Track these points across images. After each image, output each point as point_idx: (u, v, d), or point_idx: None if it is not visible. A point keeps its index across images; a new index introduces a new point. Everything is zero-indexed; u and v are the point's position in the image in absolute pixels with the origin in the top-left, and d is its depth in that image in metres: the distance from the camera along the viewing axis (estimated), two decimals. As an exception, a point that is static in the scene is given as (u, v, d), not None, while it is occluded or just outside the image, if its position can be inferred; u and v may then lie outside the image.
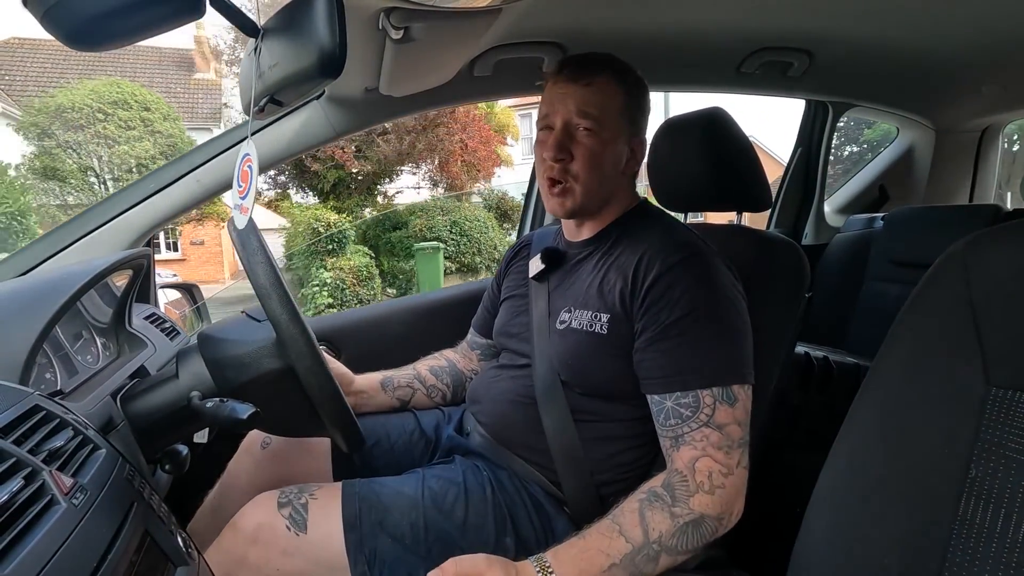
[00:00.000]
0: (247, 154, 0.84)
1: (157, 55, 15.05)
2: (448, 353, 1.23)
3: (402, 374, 1.16)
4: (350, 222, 8.95)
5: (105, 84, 11.24)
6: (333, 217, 8.62)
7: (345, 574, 0.79)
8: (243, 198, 0.88)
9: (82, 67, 13.66)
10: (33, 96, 12.20)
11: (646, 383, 0.82)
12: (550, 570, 0.69)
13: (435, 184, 11.59)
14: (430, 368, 1.19)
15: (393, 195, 12.02)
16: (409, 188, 12.21)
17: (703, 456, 0.75)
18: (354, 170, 10.45)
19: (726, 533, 0.89)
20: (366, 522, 0.82)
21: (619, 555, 0.71)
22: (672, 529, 0.72)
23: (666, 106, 9.04)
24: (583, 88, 0.89)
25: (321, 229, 8.18)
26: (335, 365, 1.07)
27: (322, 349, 0.97)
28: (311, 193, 11.40)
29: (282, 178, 11.62)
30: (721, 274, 0.83)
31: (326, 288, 7.78)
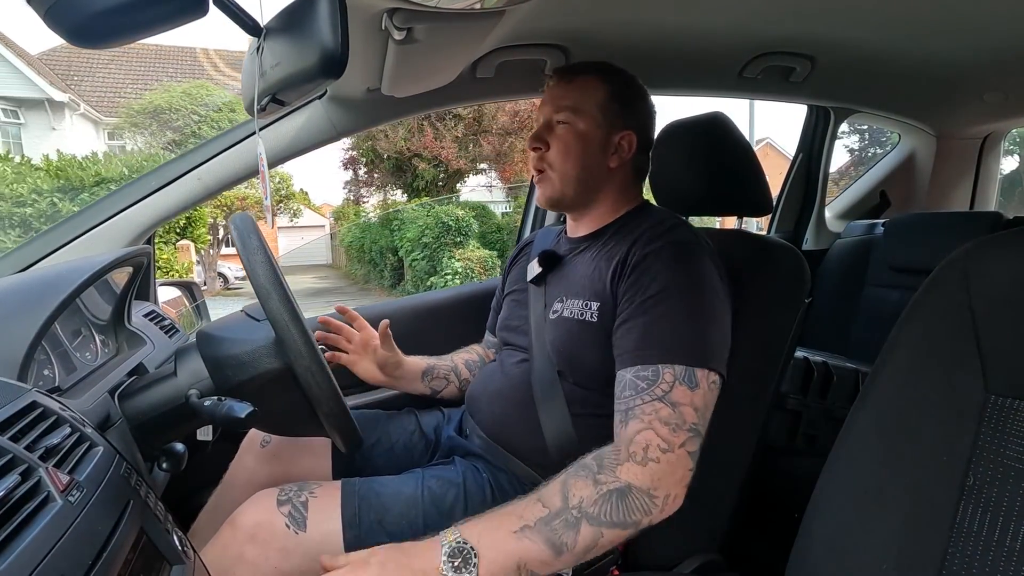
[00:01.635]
0: (260, 153, 0.85)
1: (208, 56, 15.16)
2: (477, 348, 1.26)
3: (442, 365, 1.19)
4: (474, 216, 9.37)
5: (195, 86, 11.75)
6: (460, 213, 9.07)
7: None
8: (268, 199, 0.89)
9: (144, 68, 14.08)
10: (103, 96, 12.78)
11: (616, 360, 0.81)
12: (455, 534, 0.67)
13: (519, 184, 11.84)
14: (465, 362, 1.21)
15: (458, 191, 12.24)
16: (480, 187, 12.43)
17: (647, 429, 0.72)
18: (456, 168, 10.83)
19: (723, 537, 0.88)
20: (365, 520, 0.82)
21: (533, 518, 0.67)
22: (594, 496, 0.68)
23: (751, 113, 9.21)
24: (565, 86, 0.96)
25: (451, 223, 8.80)
26: (395, 349, 1.12)
27: (321, 348, 0.97)
28: (400, 190, 11.59)
29: (377, 174, 11.76)
30: (703, 263, 0.83)
31: (457, 276, 8.47)
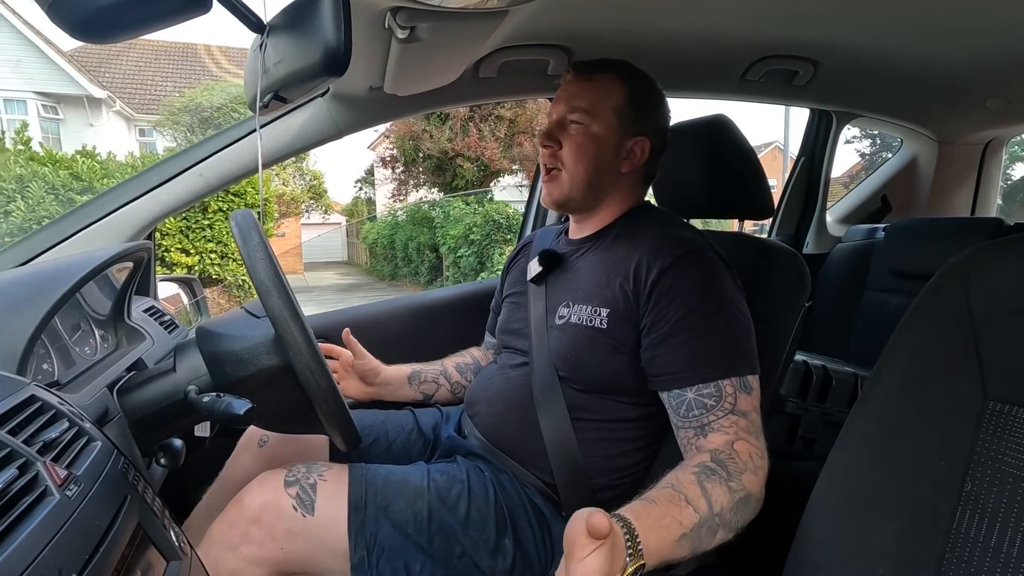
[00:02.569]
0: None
1: (210, 52, 15.20)
2: (474, 351, 1.26)
3: (430, 369, 1.19)
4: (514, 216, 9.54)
5: (234, 85, 11.92)
6: (511, 211, 9.26)
7: (345, 560, 0.79)
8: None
9: (175, 63, 14.22)
10: (133, 93, 13.06)
11: (661, 380, 0.82)
12: (638, 540, 0.61)
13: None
14: (456, 365, 1.21)
15: (491, 189, 12.35)
16: (511, 186, 12.59)
17: (738, 440, 0.75)
18: (497, 168, 11.03)
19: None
20: (371, 505, 0.82)
21: (689, 525, 0.66)
22: (730, 503, 0.69)
23: (786, 120, 9.19)
24: (583, 84, 0.93)
25: (502, 221, 9.00)
26: (367, 357, 1.14)
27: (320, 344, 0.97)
28: (435, 189, 11.80)
29: (418, 172, 11.83)
30: (721, 268, 0.85)
31: (506, 271, 8.82)
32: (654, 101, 0.96)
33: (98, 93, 11.74)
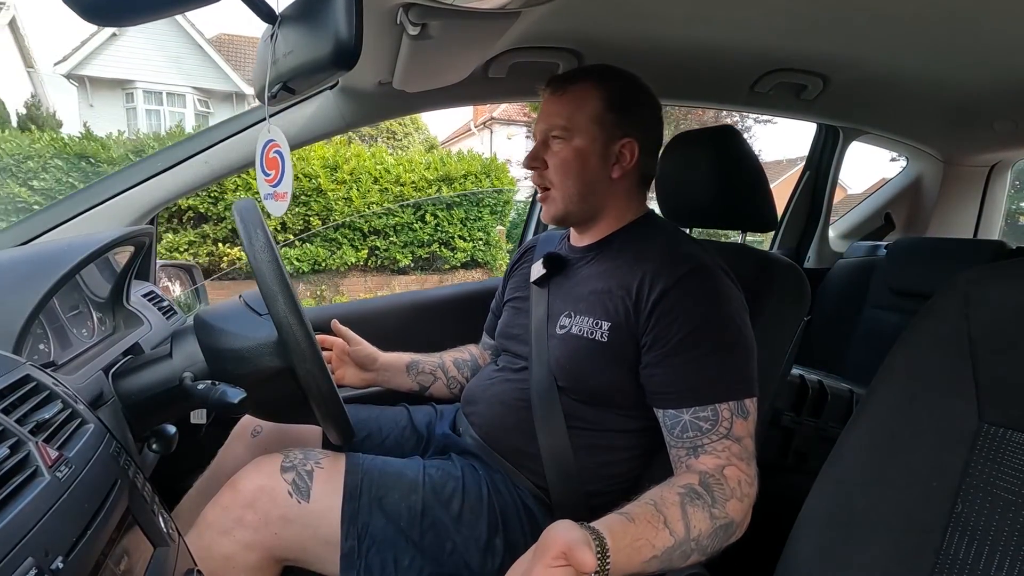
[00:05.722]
0: (271, 140, 0.84)
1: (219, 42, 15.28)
2: (472, 348, 1.25)
3: (429, 360, 1.18)
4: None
5: None
6: None
7: (336, 548, 0.79)
8: (275, 185, 0.88)
9: None
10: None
11: (659, 397, 0.82)
12: (608, 559, 0.61)
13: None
14: (454, 360, 1.21)
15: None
16: None
17: (729, 465, 0.74)
18: None
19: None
20: (365, 495, 0.82)
21: (662, 548, 0.66)
22: (710, 530, 0.69)
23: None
24: (557, 98, 0.92)
25: None
26: (362, 343, 1.12)
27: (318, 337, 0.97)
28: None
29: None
30: (727, 287, 0.83)
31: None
32: (635, 99, 0.93)
33: (248, 89, 12.16)
